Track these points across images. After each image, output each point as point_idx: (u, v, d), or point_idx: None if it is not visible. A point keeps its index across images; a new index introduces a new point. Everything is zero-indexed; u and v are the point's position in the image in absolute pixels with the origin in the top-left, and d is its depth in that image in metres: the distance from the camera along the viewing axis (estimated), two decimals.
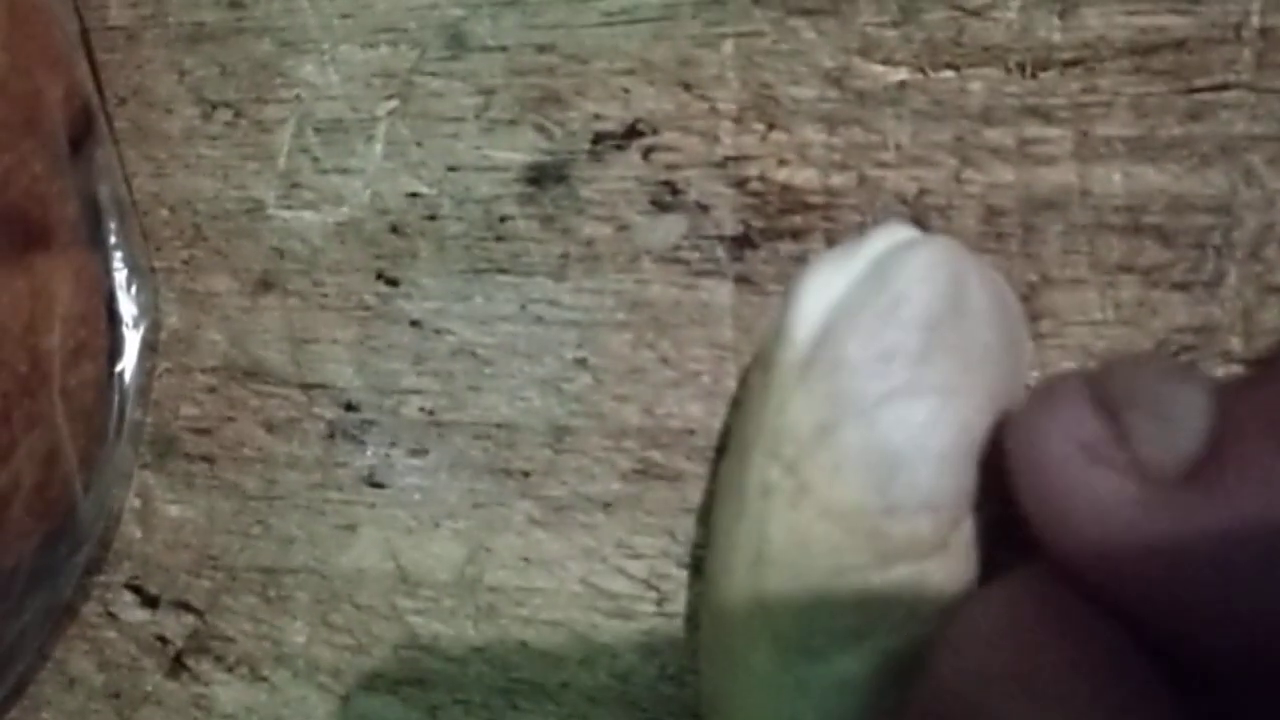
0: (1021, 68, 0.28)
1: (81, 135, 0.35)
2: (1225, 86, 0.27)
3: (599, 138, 0.31)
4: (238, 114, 0.35)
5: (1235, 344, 0.27)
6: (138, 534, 0.35)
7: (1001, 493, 0.24)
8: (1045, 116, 0.28)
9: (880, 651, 0.24)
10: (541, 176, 0.32)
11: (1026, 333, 0.27)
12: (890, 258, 0.25)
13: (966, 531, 0.24)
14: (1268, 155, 0.27)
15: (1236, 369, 0.27)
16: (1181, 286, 0.27)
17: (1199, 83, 0.27)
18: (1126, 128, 0.28)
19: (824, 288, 0.25)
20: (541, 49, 0.32)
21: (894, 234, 0.26)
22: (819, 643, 0.24)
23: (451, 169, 0.32)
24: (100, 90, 0.36)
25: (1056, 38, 0.28)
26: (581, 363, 0.31)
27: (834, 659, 0.24)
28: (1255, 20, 0.27)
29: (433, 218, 0.32)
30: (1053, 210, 0.28)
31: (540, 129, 0.32)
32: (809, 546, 0.24)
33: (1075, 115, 0.28)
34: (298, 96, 0.34)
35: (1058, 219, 0.28)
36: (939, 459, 0.23)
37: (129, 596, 0.35)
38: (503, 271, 0.32)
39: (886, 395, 0.24)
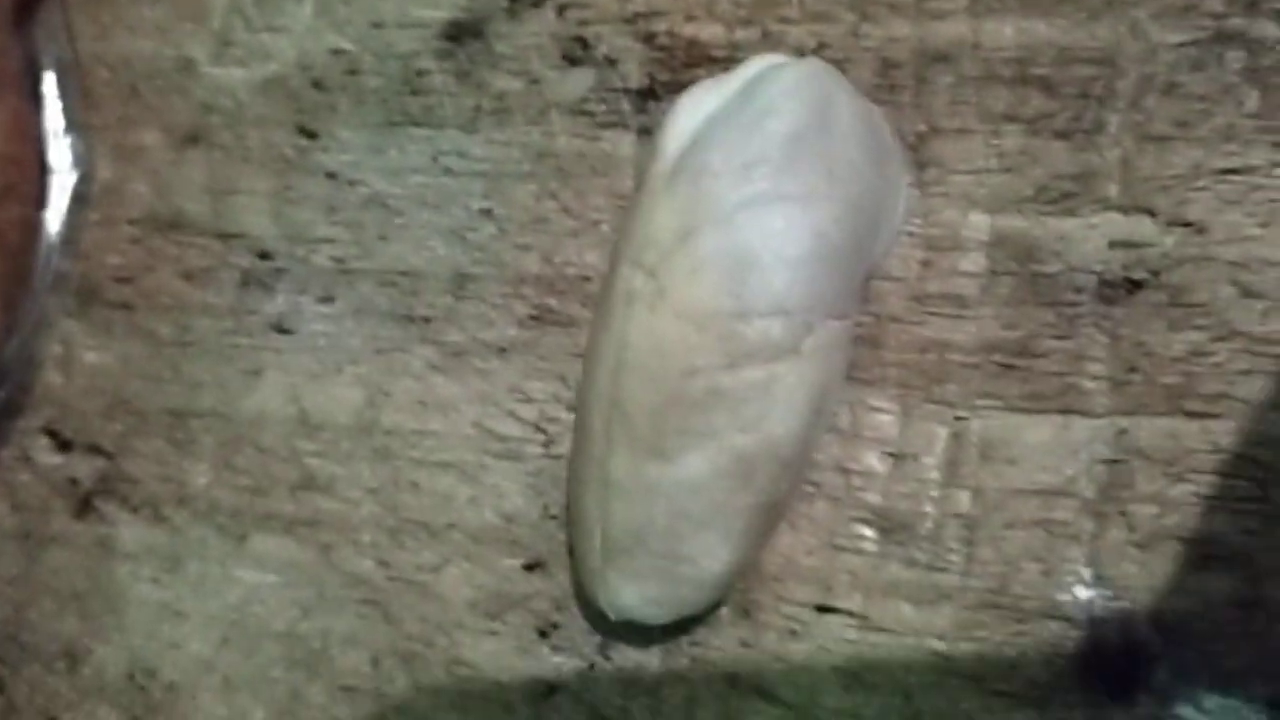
0: None
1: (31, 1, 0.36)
2: None
3: None
4: None
5: (1113, 190, 0.27)
6: (58, 380, 0.35)
7: (849, 304, 0.25)
8: None
9: (728, 451, 0.24)
10: (460, 32, 0.32)
11: (900, 163, 0.27)
12: (761, 77, 0.25)
13: (820, 337, 0.24)
14: (1153, 9, 0.27)
15: (1114, 216, 0.27)
16: (1063, 135, 0.27)
17: None
18: None
19: (697, 107, 0.26)
20: None
21: (769, 60, 0.26)
22: (670, 444, 0.24)
23: (375, 26, 0.33)
24: None
25: None
26: (487, 213, 0.32)
27: (683, 459, 0.24)
28: None
29: (354, 73, 0.33)
30: (945, 63, 0.28)
31: None
32: (664, 349, 0.24)
33: None
34: None
35: (949, 71, 0.28)
36: (793, 264, 0.24)
37: (44, 441, 0.35)
38: (416, 124, 0.32)
39: (746, 201, 0.24)
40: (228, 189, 0.34)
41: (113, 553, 0.34)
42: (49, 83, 0.36)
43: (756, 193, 0.24)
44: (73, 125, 0.36)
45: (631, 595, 0.26)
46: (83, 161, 0.36)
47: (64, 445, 0.35)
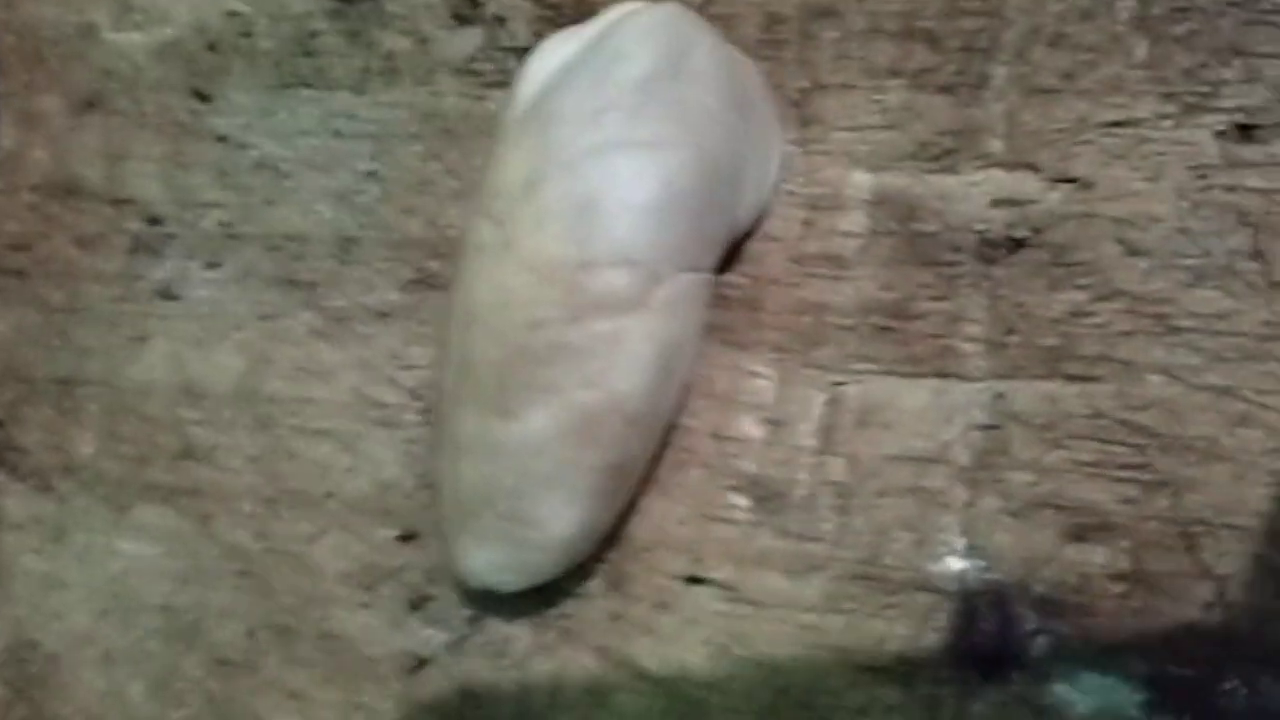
0: None
1: None
2: None
3: None
4: None
5: (996, 146, 0.26)
6: None
7: (703, 258, 0.24)
8: None
9: (572, 407, 0.23)
10: None
11: (773, 118, 0.26)
12: (616, 23, 0.24)
13: (670, 290, 0.23)
14: None
15: (996, 172, 0.26)
16: (947, 89, 0.26)
17: None
18: None
19: (553, 53, 0.25)
20: None
21: (628, 6, 0.25)
22: (514, 401, 0.23)
23: None
24: None
25: None
26: (373, 175, 0.31)
27: (527, 416, 0.23)
28: None
29: (247, 35, 0.33)
30: (830, 17, 0.27)
31: None
32: (509, 302, 0.23)
33: None
34: None
35: (834, 25, 0.27)
36: (639, 212, 0.23)
37: None
38: (308, 86, 0.32)
39: (593, 148, 0.23)
40: (122, 154, 0.33)
41: (1, 524, 0.33)
42: None
43: (604, 139, 0.23)
44: None
45: (481, 560, 0.25)
46: None
47: None
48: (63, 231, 0.34)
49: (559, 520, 0.24)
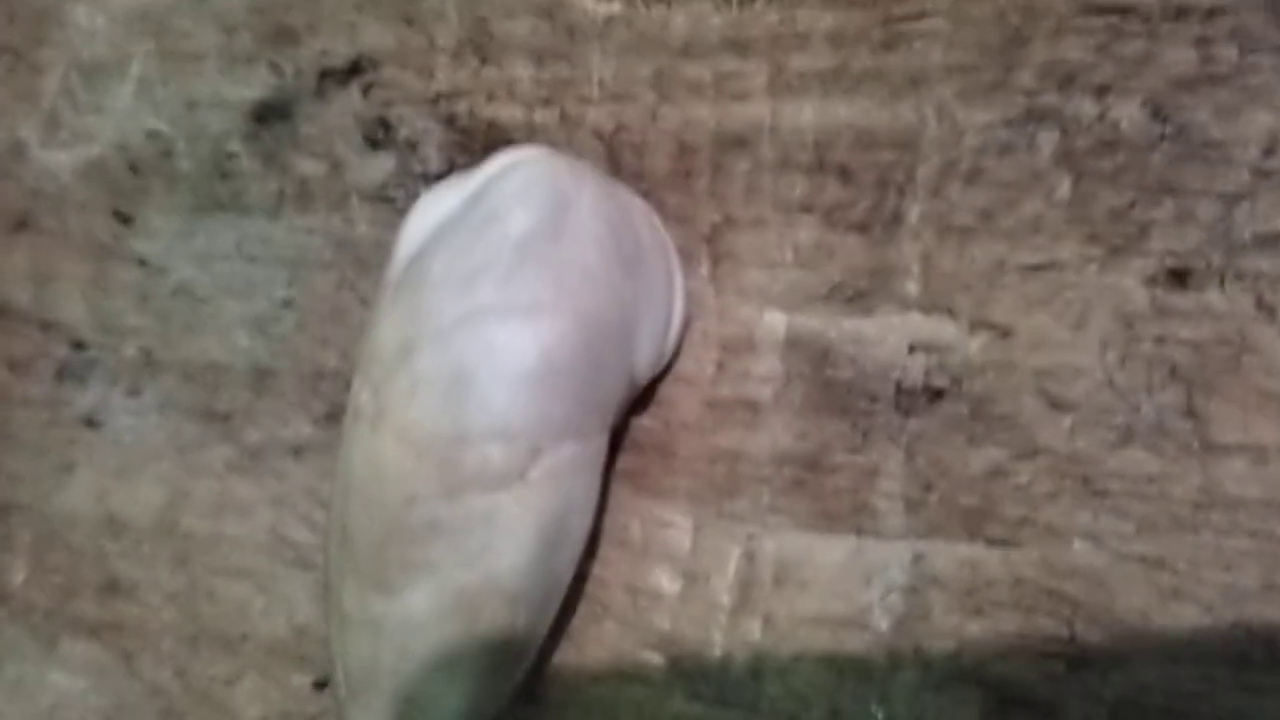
0: (729, 0, 0.27)
1: None
2: (922, 15, 0.25)
3: (325, 74, 0.30)
4: (18, 58, 0.35)
5: (912, 288, 0.25)
6: None
7: (591, 425, 0.23)
8: (743, 49, 0.26)
9: (450, 587, 0.22)
10: (267, 113, 0.31)
11: (667, 261, 0.25)
12: (496, 176, 0.23)
13: (551, 463, 0.22)
14: (959, 87, 0.25)
15: (914, 316, 0.24)
16: (860, 227, 0.25)
17: (896, 11, 0.25)
18: (821, 60, 0.26)
19: (433, 207, 0.24)
20: None
21: (516, 154, 0.24)
22: (392, 578, 0.22)
23: (189, 106, 0.32)
24: None
25: None
26: (289, 303, 0.30)
27: (405, 595, 0.22)
28: None
29: (167, 155, 0.32)
30: (742, 148, 0.26)
31: (273, 66, 0.31)
32: (383, 474, 0.22)
33: (771, 47, 0.26)
34: (69, 40, 0.34)
35: (746, 156, 0.26)
36: (515, 383, 0.22)
37: None
38: (224, 209, 0.31)
39: (466, 315, 0.22)
40: (49, 275, 0.33)
41: None
42: None
43: (477, 306, 0.22)
44: None
45: None
46: None
47: None
48: None
49: (443, 701, 0.23)
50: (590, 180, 0.24)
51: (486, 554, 0.22)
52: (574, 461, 0.23)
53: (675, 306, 0.25)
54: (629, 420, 0.26)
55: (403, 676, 0.23)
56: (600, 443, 0.23)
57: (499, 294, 0.22)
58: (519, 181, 0.23)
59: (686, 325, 0.26)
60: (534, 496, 0.22)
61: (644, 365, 0.24)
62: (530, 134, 0.28)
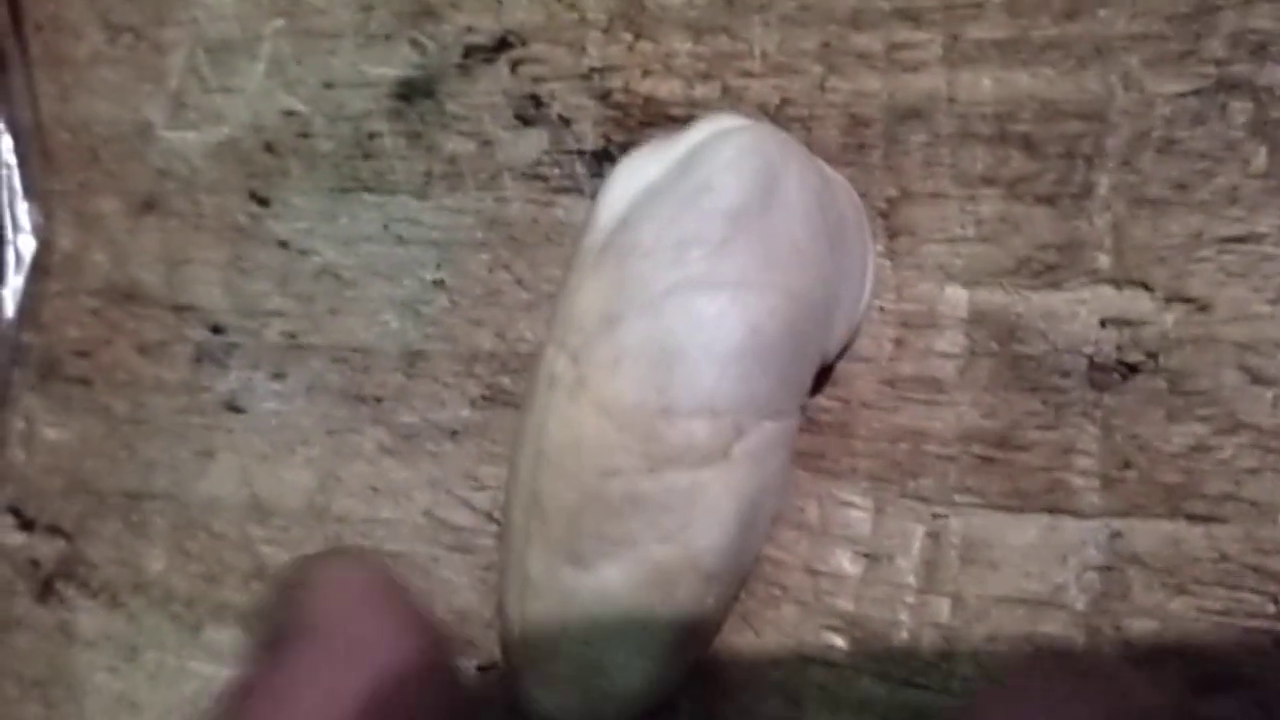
0: None
1: None
2: None
3: (469, 51, 0.30)
4: (139, 37, 0.34)
5: (1104, 261, 0.24)
6: (21, 456, 0.34)
7: (795, 403, 0.22)
8: (915, 19, 0.26)
9: (647, 562, 0.22)
10: (411, 92, 0.30)
11: (866, 236, 0.25)
12: (704, 145, 0.23)
13: (752, 441, 0.22)
14: (1147, 55, 0.24)
15: (1105, 290, 0.24)
16: (1047, 200, 0.25)
17: None
18: (998, 29, 0.25)
19: (636, 174, 0.23)
20: None
21: (719, 123, 0.24)
22: (586, 549, 0.22)
23: (327, 86, 0.31)
24: (18, 20, 0.36)
25: None
26: (439, 284, 0.30)
27: (599, 568, 0.22)
28: None
29: (305, 135, 0.31)
30: (917, 119, 0.26)
31: (414, 43, 0.30)
32: (582, 445, 0.22)
33: (946, 18, 0.26)
34: (194, 18, 0.33)
35: (922, 128, 0.26)
36: (724, 359, 0.21)
37: (9, 519, 0.34)
38: (369, 190, 0.31)
39: (676, 286, 0.22)
40: (182, 259, 0.33)
41: (73, 639, 0.33)
42: (6, 148, 0.35)
43: (687, 277, 0.22)
44: (32, 192, 0.35)
45: (548, 701, 0.24)
46: (42, 230, 0.34)
47: (26, 525, 0.34)
48: (125, 338, 0.33)
49: (630, 672, 0.23)
50: (797, 152, 0.23)
51: (686, 531, 0.22)
52: (773, 439, 0.22)
53: (867, 281, 0.25)
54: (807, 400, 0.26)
55: (590, 645, 0.22)
56: (792, 422, 0.23)
57: (710, 266, 0.22)
58: (730, 152, 0.22)
59: (869, 303, 0.25)
60: (736, 474, 0.22)
61: (835, 343, 0.24)
62: (690, 108, 0.28)
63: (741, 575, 0.24)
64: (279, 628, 0.19)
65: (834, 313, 0.23)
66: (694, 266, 0.22)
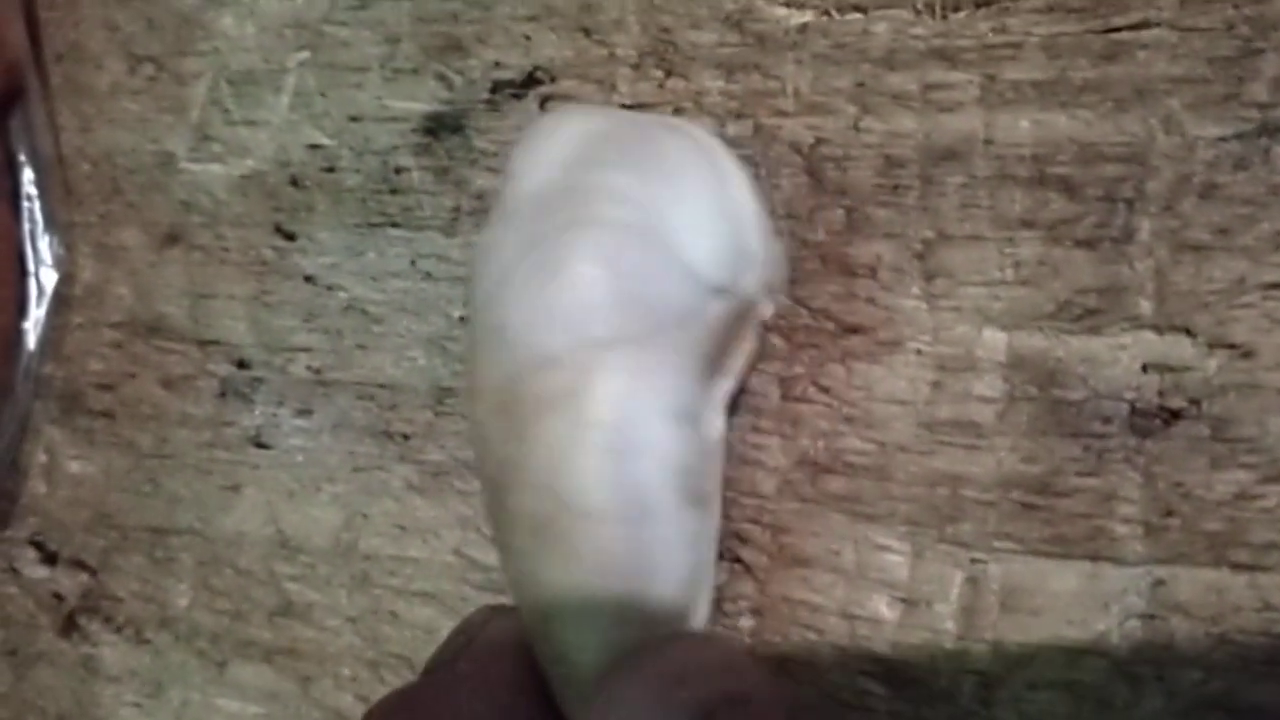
0: (931, 9, 0.26)
1: (9, 95, 0.35)
2: (1145, 25, 0.24)
3: (498, 86, 0.30)
4: (160, 68, 0.34)
5: (1145, 307, 0.24)
6: (43, 489, 0.34)
7: (645, 328, 0.23)
8: (951, 60, 0.26)
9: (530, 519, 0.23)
10: (438, 127, 0.30)
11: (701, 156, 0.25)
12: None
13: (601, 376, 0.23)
14: (1189, 99, 0.24)
15: (1147, 335, 0.24)
16: (1087, 243, 0.24)
17: (1116, 21, 0.25)
18: (1036, 71, 0.25)
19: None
20: None
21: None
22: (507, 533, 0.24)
23: (353, 119, 0.31)
24: (38, 49, 0.36)
25: None
26: (466, 321, 0.29)
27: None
28: None
29: (331, 170, 0.31)
30: (954, 161, 0.25)
31: (441, 78, 0.30)
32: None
33: (983, 58, 0.25)
34: (216, 49, 0.33)
35: (959, 170, 0.25)
36: (549, 315, 0.22)
37: (31, 553, 0.34)
38: (395, 225, 0.30)
39: (507, 277, 0.24)
40: (206, 292, 0.32)
41: (97, 674, 0.33)
42: (28, 180, 0.34)
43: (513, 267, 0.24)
44: (52, 224, 0.34)
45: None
46: (63, 262, 0.34)
47: (49, 558, 0.34)
48: (149, 372, 0.33)
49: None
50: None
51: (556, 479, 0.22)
52: (631, 366, 0.22)
53: (733, 197, 0.24)
54: (837, 441, 0.26)
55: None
56: (666, 341, 0.23)
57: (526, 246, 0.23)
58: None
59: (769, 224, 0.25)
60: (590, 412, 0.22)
61: (705, 260, 0.24)
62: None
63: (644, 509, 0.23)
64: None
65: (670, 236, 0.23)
66: (512, 253, 0.23)
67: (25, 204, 0.34)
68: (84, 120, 0.35)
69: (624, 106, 0.28)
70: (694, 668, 0.21)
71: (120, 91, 0.34)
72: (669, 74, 0.28)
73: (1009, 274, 0.25)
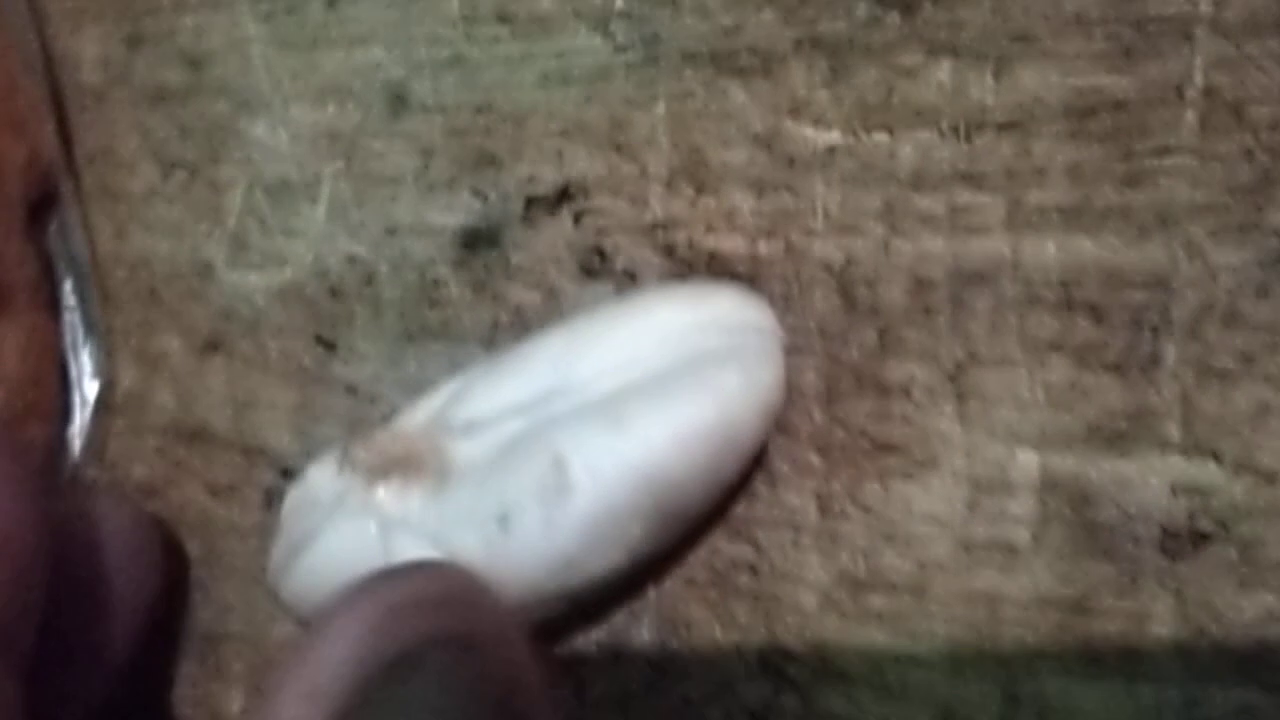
0: (955, 131, 0.27)
1: (43, 198, 0.35)
2: (1166, 151, 0.25)
3: (531, 201, 0.30)
4: (193, 174, 0.35)
5: (1173, 431, 0.25)
6: None
7: None
8: (977, 183, 0.26)
9: None
10: (475, 240, 0.31)
11: None
12: None
13: None
14: (1211, 226, 0.25)
15: (1175, 459, 0.25)
16: (1115, 368, 0.25)
17: (1138, 147, 0.25)
18: (1061, 195, 0.26)
19: None
20: (479, 109, 0.31)
21: None
22: None
23: (389, 231, 0.32)
24: (70, 150, 0.36)
25: (990, 99, 0.26)
26: None
27: None
28: (1198, 79, 0.25)
29: (370, 281, 0.32)
30: (982, 283, 0.26)
31: (476, 192, 0.31)
32: None
33: (1008, 182, 0.26)
34: (249, 158, 0.34)
35: (987, 293, 0.26)
36: None
37: None
38: (435, 338, 0.31)
39: None
40: (249, 400, 0.33)
41: None
42: (66, 289, 0.35)
43: None
44: (91, 331, 0.35)
45: None
46: (103, 369, 0.35)
47: None
48: (194, 479, 0.34)
49: None
50: None
51: None
52: None
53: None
54: (876, 558, 0.26)
55: None
56: None
57: None
58: None
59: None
60: None
61: None
62: (754, 266, 0.28)
63: None
64: None
65: None
66: None
67: (67, 316, 0.35)
68: (118, 225, 0.36)
69: (655, 224, 0.29)
70: (419, 599, 0.19)
71: (154, 197, 0.35)
72: (700, 191, 0.29)
73: (1040, 396, 0.26)
